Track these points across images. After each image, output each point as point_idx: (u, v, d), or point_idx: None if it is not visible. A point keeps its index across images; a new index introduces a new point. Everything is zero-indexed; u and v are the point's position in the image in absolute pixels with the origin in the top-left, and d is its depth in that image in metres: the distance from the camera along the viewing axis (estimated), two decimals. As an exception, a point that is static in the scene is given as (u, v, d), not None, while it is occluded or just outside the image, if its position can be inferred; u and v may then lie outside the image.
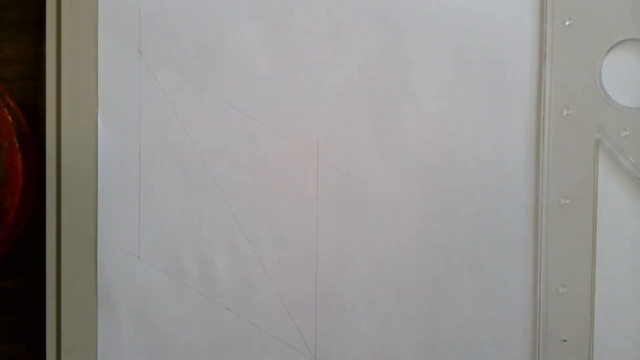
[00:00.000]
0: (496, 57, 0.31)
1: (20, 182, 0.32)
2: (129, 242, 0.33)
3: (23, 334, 0.35)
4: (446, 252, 0.31)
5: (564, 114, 0.31)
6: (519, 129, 0.31)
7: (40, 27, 0.33)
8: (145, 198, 0.33)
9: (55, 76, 0.32)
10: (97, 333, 0.33)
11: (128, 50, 0.32)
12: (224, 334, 0.32)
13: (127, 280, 0.33)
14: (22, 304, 0.35)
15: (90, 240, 0.33)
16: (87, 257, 0.33)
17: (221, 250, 0.32)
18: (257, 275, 0.32)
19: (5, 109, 0.32)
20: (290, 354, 0.32)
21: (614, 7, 0.30)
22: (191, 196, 0.32)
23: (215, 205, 0.32)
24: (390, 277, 0.32)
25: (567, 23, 0.31)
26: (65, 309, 0.33)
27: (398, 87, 0.31)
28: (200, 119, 0.32)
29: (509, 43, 0.31)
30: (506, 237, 0.31)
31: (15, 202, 0.32)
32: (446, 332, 0.31)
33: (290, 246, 0.32)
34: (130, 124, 0.32)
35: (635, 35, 0.30)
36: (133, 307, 0.33)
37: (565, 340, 0.31)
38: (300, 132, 0.32)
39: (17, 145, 0.32)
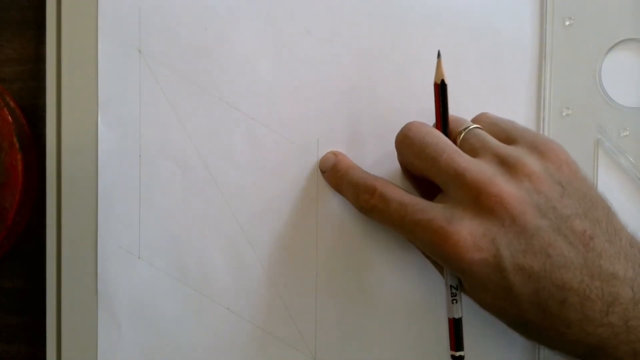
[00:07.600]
0: (496, 57, 0.31)
1: (20, 182, 0.32)
2: (129, 242, 0.33)
3: (23, 334, 0.35)
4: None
5: (564, 114, 0.31)
6: (519, 129, 0.31)
7: (40, 27, 0.33)
8: (145, 198, 0.33)
9: (55, 76, 0.32)
10: (97, 333, 0.33)
11: (128, 50, 0.32)
12: (224, 334, 0.32)
13: (127, 280, 0.33)
14: (22, 304, 0.35)
15: (90, 240, 0.33)
16: (87, 257, 0.33)
17: (221, 250, 0.32)
18: (257, 275, 0.32)
19: (5, 109, 0.32)
20: (290, 354, 0.32)
21: (614, 7, 0.30)
22: (191, 196, 0.32)
23: (215, 205, 0.32)
24: (390, 277, 0.32)
25: (567, 23, 0.31)
26: (65, 309, 0.33)
27: (398, 87, 0.31)
28: (200, 119, 0.32)
29: (509, 43, 0.31)
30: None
31: (15, 202, 0.32)
32: (445, 331, 0.31)
33: (290, 246, 0.32)
34: (130, 124, 0.32)
35: (635, 35, 0.30)
36: (133, 307, 0.33)
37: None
38: (300, 132, 0.32)
39: (17, 145, 0.32)
